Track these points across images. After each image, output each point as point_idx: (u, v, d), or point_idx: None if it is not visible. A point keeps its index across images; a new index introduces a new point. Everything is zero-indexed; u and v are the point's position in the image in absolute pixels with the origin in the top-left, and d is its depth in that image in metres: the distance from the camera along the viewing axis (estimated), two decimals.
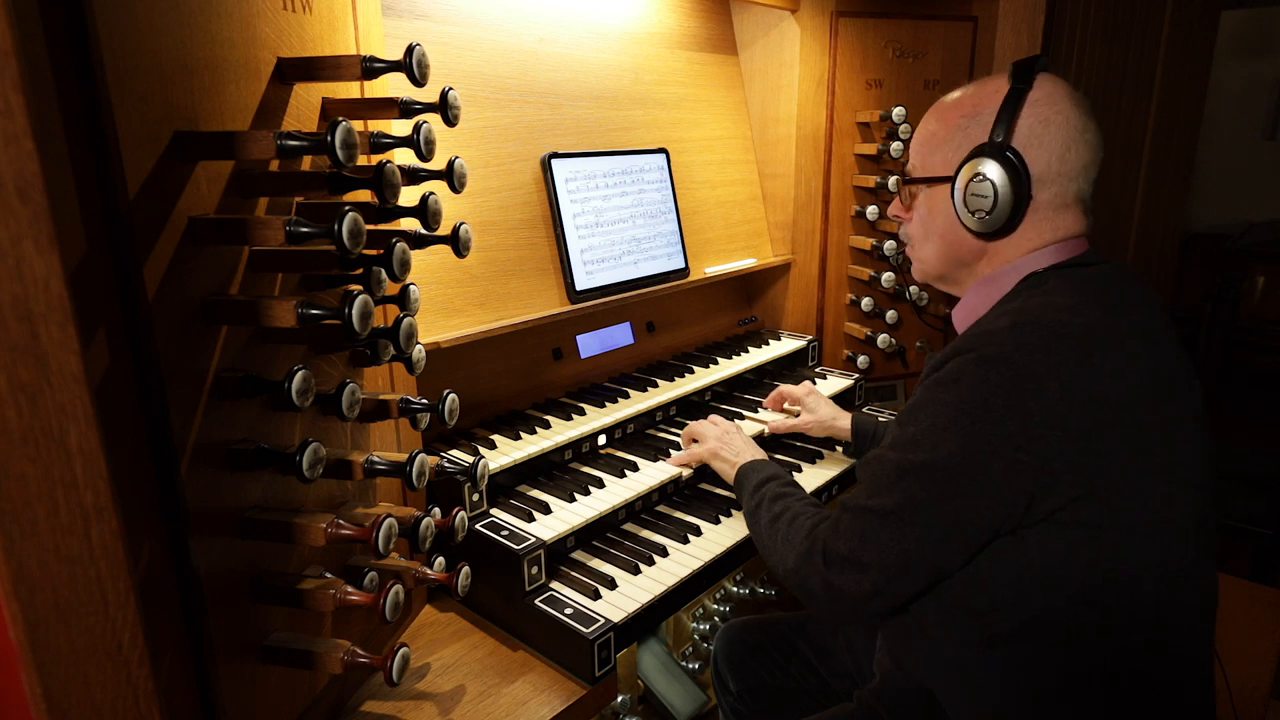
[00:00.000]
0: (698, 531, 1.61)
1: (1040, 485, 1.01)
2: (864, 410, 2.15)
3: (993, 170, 1.13)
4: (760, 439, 1.84)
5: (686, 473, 1.71)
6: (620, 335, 2.05)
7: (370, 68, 1.06)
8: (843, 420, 1.82)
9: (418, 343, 1.22)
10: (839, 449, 1.97)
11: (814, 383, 2.14)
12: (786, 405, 1.97)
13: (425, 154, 1.16)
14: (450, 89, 1.17)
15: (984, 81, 1.22)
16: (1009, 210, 1.14)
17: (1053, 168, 1.14)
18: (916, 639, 1.24)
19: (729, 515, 1.67)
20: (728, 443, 1.66)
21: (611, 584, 1.42)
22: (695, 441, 1.73)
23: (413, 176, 1.20)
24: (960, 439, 1.02)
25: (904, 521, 1.08)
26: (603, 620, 1.31)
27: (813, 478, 1.84)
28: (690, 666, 2.17)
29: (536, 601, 1.36)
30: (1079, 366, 1.00)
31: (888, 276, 2.35)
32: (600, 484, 1.62)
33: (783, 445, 1.99)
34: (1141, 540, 1.03)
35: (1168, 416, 1.05)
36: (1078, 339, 1.02)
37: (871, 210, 2.35)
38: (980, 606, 1.11)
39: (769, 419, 1.94)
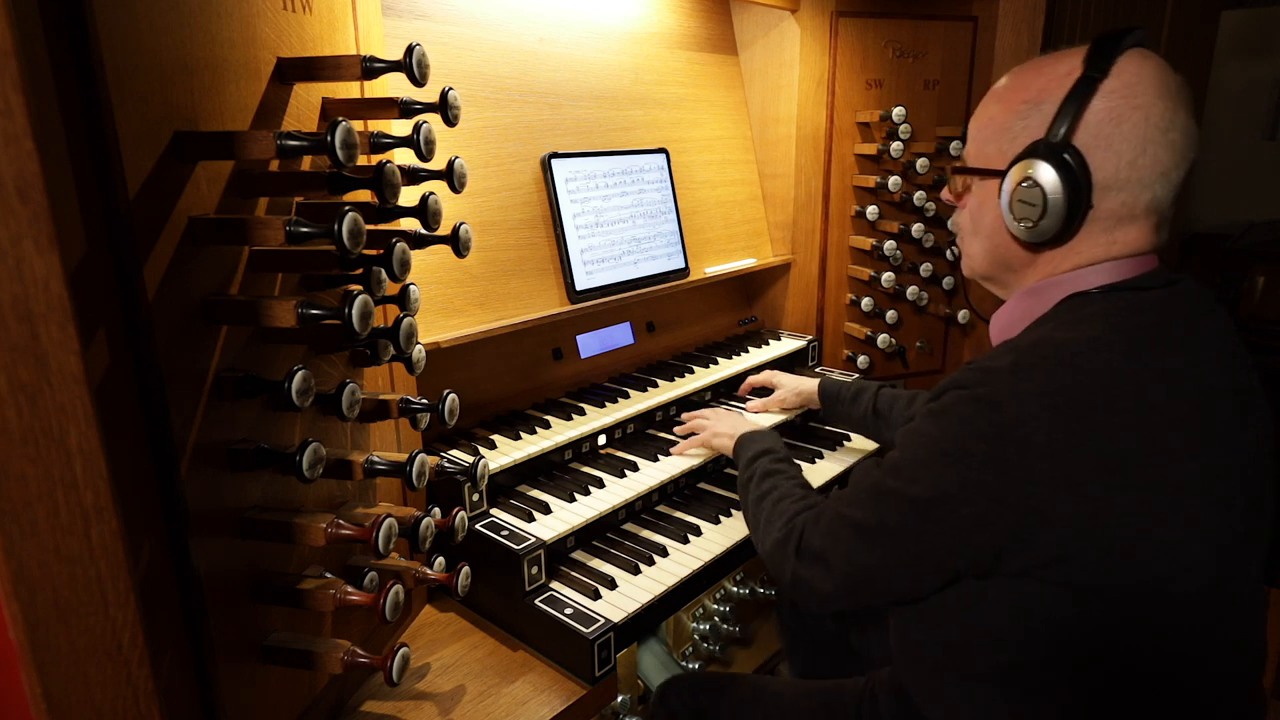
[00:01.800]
0: (698, 531, 1.61)
1: (1014, 539, 0.94)
2: (824, 373, 2.24)
3: (1045, 174, 0.99)
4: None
5: (694, 463, 1.73)
6: (620, 335, 2.05)
7: (370, 68, 1.06)
8: (809, 385, 1.92)
9: (418, 343, 1.22)
10: (852, 440, 2.00)
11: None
12: (753, 391, 2.06)
13: (425, 154, 1.16)
14: (450, 89, 1.17)
15: (1060, 57, 1.05)
16: (1061, 221, 1.00)
17: (1122, 173, 0.98)
18: (906, 656, 1.24)
19: (729, 515, 1.67)
20: (724, 418, 1.74)
21: (611, 584, 1.42)
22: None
23: (413, 176, 1.20)
24: (934, 478, 0.98)
25: (870, 540, 1.06)
26: (603, 620, 1.31)
27: (834, 465, 1.89)
28: (690, 666, 2.17)
29: (536, 601, 1.36)
30: (1075, 422, 0.91)
31: (888, 276, 2.35)
32: (600, 484, 1.62)
33: (801, 437, 2.03)
34: (1131, 611, 0.94)
35: (1190, 482, 0.93)
36: (1084, 389, 0.92)
37: (871, 210, 2.35)
38: (958, 640, 1.08)
39: (750, 408, 2.01)
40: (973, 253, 1.18)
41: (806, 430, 2.07)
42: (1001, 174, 1.06)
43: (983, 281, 1.21)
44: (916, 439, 1.02)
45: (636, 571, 1.47)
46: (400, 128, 1.17)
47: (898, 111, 2.24)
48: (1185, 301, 1.03)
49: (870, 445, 1.97)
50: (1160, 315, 1.00)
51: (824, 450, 1.94)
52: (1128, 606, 0.95)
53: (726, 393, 2.11)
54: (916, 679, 1.22)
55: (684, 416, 1.84)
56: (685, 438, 1.80)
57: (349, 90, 1.18)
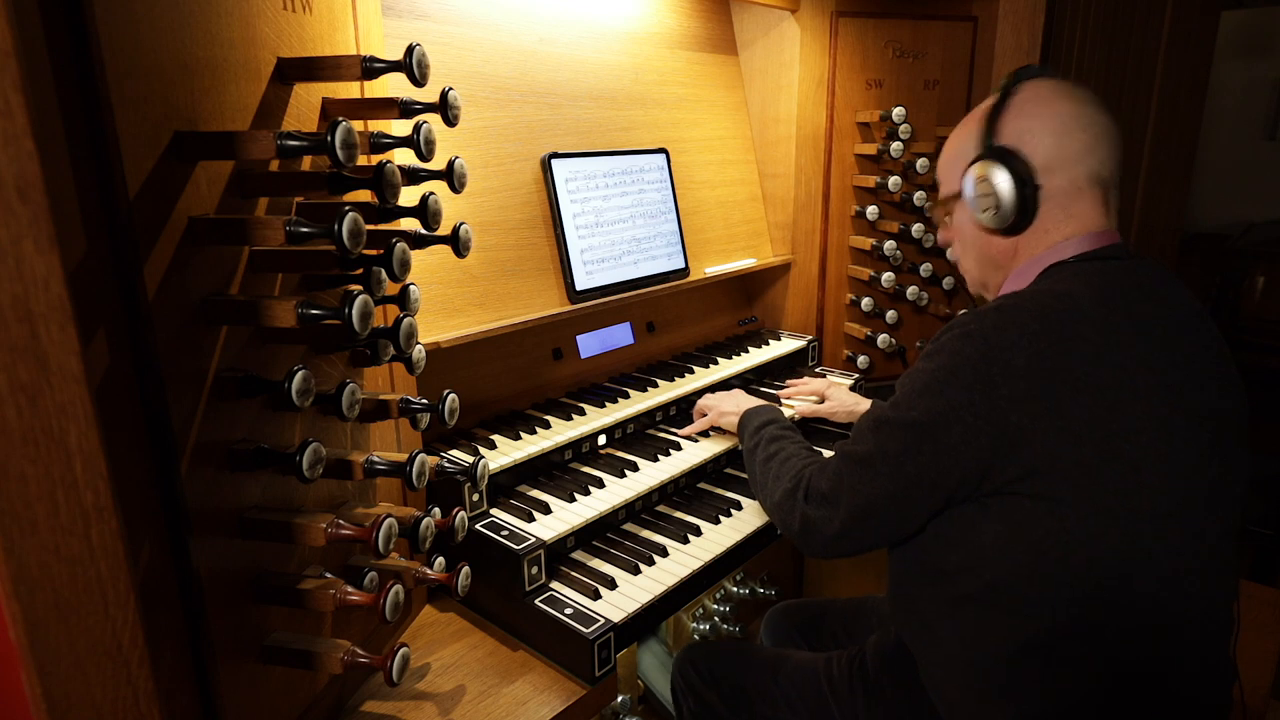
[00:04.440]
0: (698, 531, 1.61)
1: (998, 454, 1.06)
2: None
3: (989, 168, 1.19)
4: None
5: (694, 462, 1.74)
6: (620, 335, 2.05)
7: (370, 68, 1.06)
8: (863, 405, 1.91)
9: (418, 343, 1.22)
10: None
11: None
12: (800, 399, 2.06)
13: (425, 154, 1.16)
14: (450, 89, 1.17)
15: (987, 100, 1.29)
16: (1015, 200, 1.17)
17: (1052, 154, 1.17)
18: (898, 596, 1.32)
19: (729, 515, 1.67)
20: (729, 399, 1.81)
21: (611, 584, 1.42)
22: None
23: (413, 176, 1.20)
24: (929, 402, 1.10)
25: (871, 469, 1.17)
26: (603, 620, 1.31)
27: None
28: None
29: (536, 601, 1.36)
30: (1050, 346, 1.04)
31: (888, 276, 2.35)
32: (600, 484, 1.62)
33: (813, 432, 2.03)
34: (1100, 525, 1.05)
35: (1156, 412, 1.05)
36: (1056, 321, 1.06)
37: (871, 210, 2.35)
38: (948, 567, 1.18)
39: (797, 406, 2.01)
40: (968, 268, 1.36)
41: (806, 429, 2.06)
42: (961, 191, 1.25)
43: (985, 292, 1.36)
44: (914, 376, 1.15)
45: (636, 571, 1.47)
46: (400, 128, 1.17)
47: (898, 111, 2.24)
48: (1152, 270, 1.19)
49: None
50: (1128, 278, 1.15)
51: (824, 449, 1.93)
52: (1099, 521, 1.05)
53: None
54: (910, 616, 1.31)
55: (698, 404, 1.87)
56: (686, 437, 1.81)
57: (349, 90, 1.18)
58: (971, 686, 1.21)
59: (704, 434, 1.84)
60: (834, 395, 1.98)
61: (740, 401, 1.77)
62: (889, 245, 2.33)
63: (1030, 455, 1.04)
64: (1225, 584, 1.15)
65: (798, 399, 2.03)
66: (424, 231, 1.22)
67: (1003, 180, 1.17)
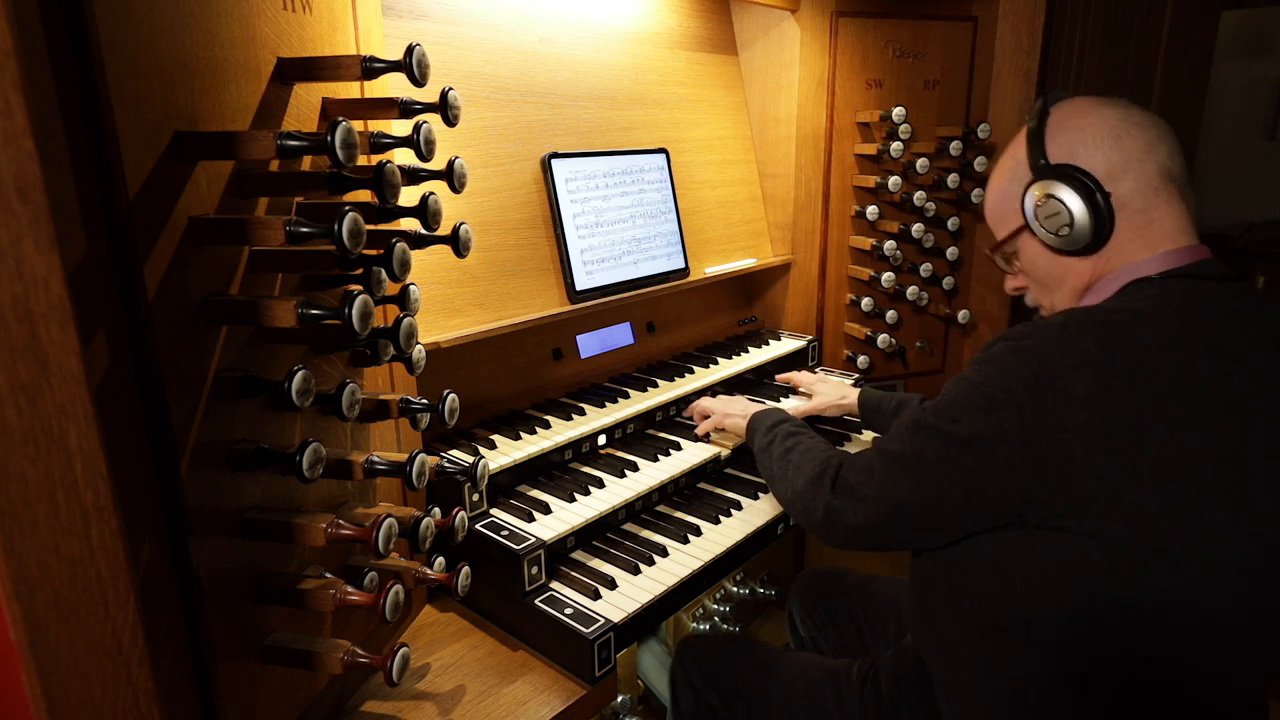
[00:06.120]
0: (698, 531, 1.61)
1: (1045, 484, 0.99)
2: (868, 385, 2.20)
3: (1049, 186, 1.12)
4: None
5: (694, 462, 1.74)
6: (620, 335, 2.05)
7: (370, 68, 1.06)
8: (851, 396, 1.91)
9: (418, 343, 1.22)
10: (865, 433, 2.00)
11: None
12: (794, 398, 2.06)
13: (425, 154, 1.16)
14: (450, 89, 1.17)
15: (1017, 137, 1.25)
16: (1089, 214, 1.10)
17: (1113, 158, 1.10)
18: (920, 607, 1.27)
19: (729, 515, 1.67)
20: (732, 402, 1.82)
21: (611, 584, 1.42)
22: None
23: (413, 176, 1.20)
24: (974, 419, 1.04)
25: (906, 470, 1.12)
26: (603, 620, 1.31)
27: None
28: None
29: (536, 601, 1.36)
30: (1116, 377, 0.95)
31: (888, 276, 2.35)
32: (600, 484, 1.62)
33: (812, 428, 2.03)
34: (1155, 570, 0.97)
35: (1231, 455, 0.96)
36: (1127, 348, 0.97)
37: (871, 210, 2.35)
38: (980, 590, 1.12)
39: (788, 405, 2.01)
40: (1055, 302, 1.25)
41: (811, 423, 2.07)
42: (1024, 224, 1.20)
43: None
44: (961, 384, 1.09)
45: (636, 571, 1.47)
46: (400, 128, 1.17)
47: (898, 111, 2.24)
48: (1244, 295, 1.08)
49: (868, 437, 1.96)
50: (1216, 301, 1.04)
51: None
52: (1154, 566, 0.97)
53: (726, 394, 2.11)
54: (931, 632, 1.26)
55: (692, 407, 1.88)
56: (686, 437, 1.81)
57: (349, 90, 1.18)
58: (993, 717, 1.15)
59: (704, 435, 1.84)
60: (819, 390, 1.99)
61: (746, 405, 1.77)
62: (889, 245, 2.33)
63: (1083, 491, 0.97)
64: (1276, 637, 1.06)
65: (791, 402, 2.03)
66: (424, 231, 1.22)
67: (1068, 194, 1.10)
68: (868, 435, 2.00)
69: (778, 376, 2.11)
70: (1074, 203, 1.10)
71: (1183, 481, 0.95)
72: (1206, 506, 0.95)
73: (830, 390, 1.97)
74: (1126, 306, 1.03)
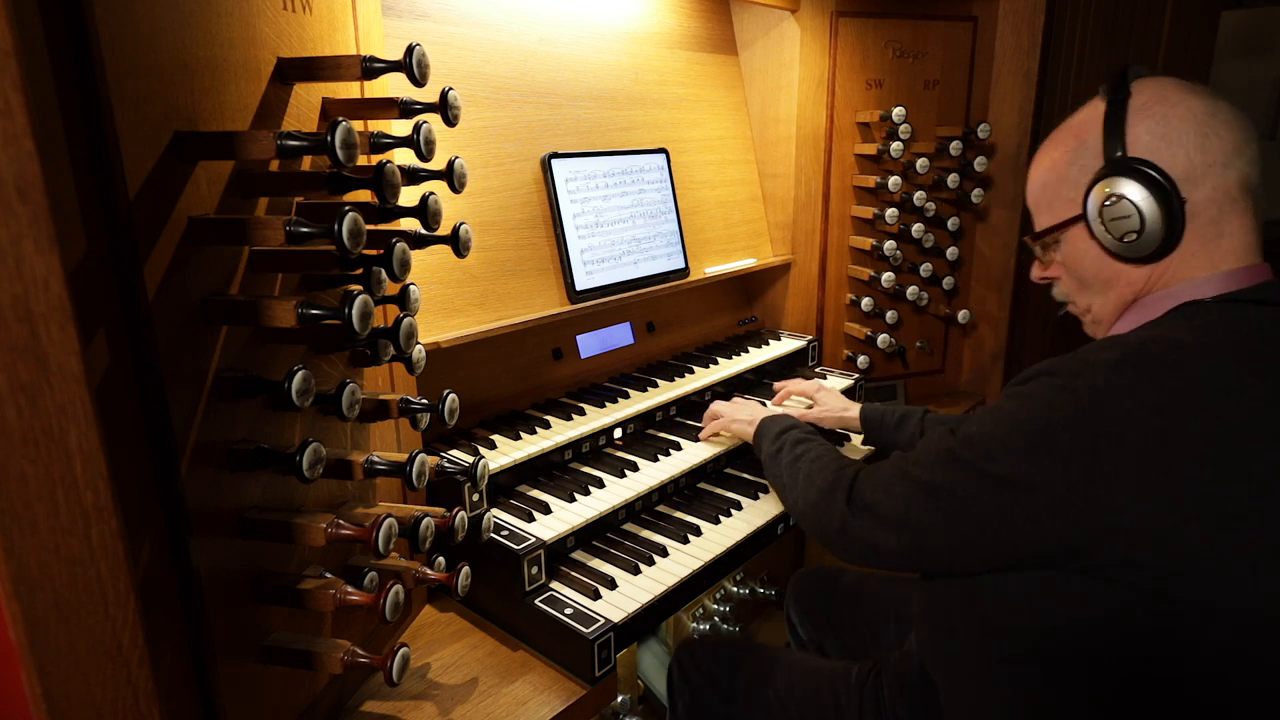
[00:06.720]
0: (698, 531, 1.61)
1: (1089, 533, 0.92)
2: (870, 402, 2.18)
3: (1124, 185, 1.01)
4: None
5: (694, 462, 1.73)
6: (620, 335, 2.05)
7: (370, 68, 1.06)
8: (853, 411, 1.85)
9: (418, 343, 1.22)
10: (854, 439, 1.98)
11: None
12: (794, 399, 2.00)
13: (425, 154, 1.16)
14: (450, 89, 1.17)
15: (1077, 111, 1.13)
16: (1163, 221, 1.00)
17: (1195, 160, 0.99)
18: (930, 625, 1.23)
19: (729, 515, 1.67)
20: (741, 407, 1.77)
21: (611, 584, 1.42)
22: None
23: (413, 176, 1.20)
24: (1014, 460, 0.96)
25: (936, 502, 1.05)
26: (603, 620, 1.31)
27: None
28: None
29: (536, 601, 1.36)
30: (1175, 427, 0.89)
31: (888, 276, 2.35)
32: (600, 484, 1.62)
33: None
34: (1208, 623, 0.91)
35: None
36: (1183, 390, 0.90)
37: (871, 210, 2.35)
38: (999, 623, 1.07)
39: (787, 409, 1.97)
40: (1090, 304, 1.16)
41: None
42: (1080, 214, 1.08)
43: (1098, 331, 1.17)
44: (1000, 416, 1.01)
45: (636, 571, 1.47)
46: (400, 128, 1.17)
47: (898, 111, 2.24)
48: None
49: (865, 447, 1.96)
50: (1276, 328, 0.97)
51: None
52: (1198, 619, 0.91)
53: (726, 393, 2.11)
54: (939, 653, 1.22)
55: (706, 414, 1.83)
56: (687, 437, 1.80)
57: (349, 90, 1.18)
58: None
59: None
60: (822, 399, 1.91)
61: (754, 410, 1.73)
62: (889, 245, 2.33)
63: (1128, 541, 0.90)
64: None
65: (788, 407, 1.99)
66: (424, 231, 1.22)
67: (1143, 197, 0.99)
68: (856, 440, 1.97)
69: (775, 385, 2.06)
70: (1149, 208, 0.99)
71: (1236, 534, 0.89)
72: (1260, 561, 0.90)
73: (833, 401, 1.90)
74: (1184, 339, 0.94)
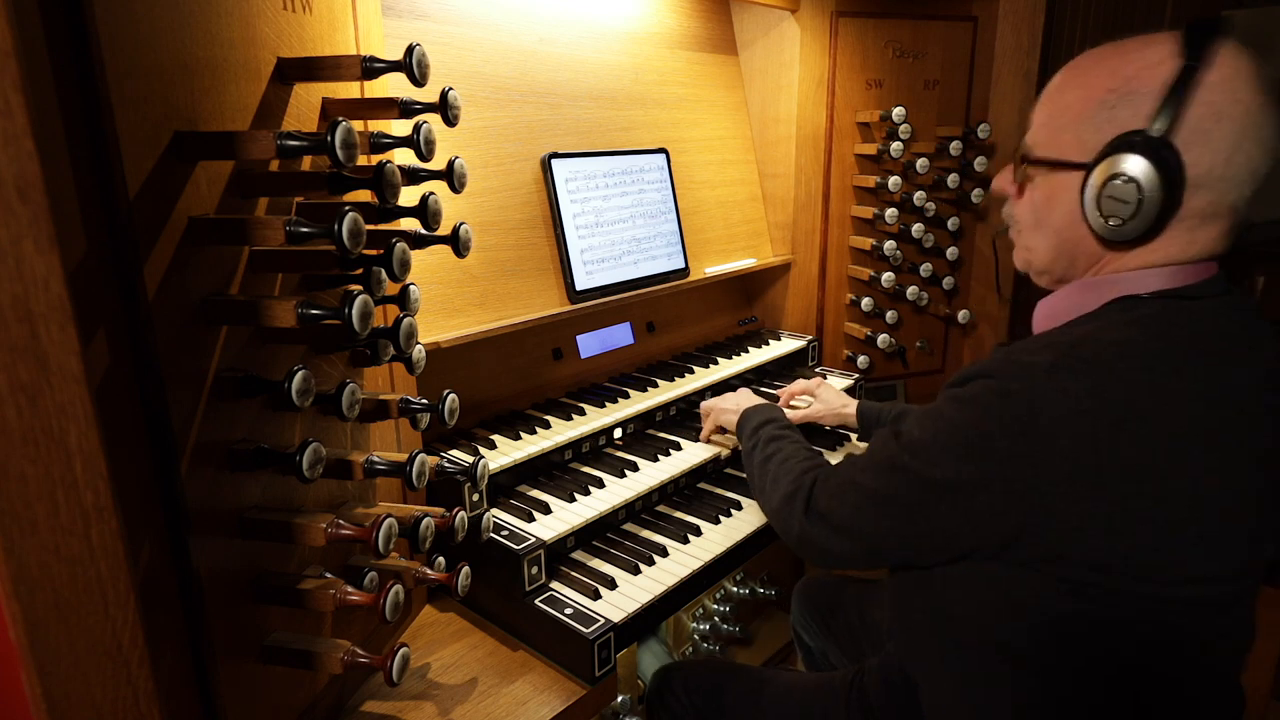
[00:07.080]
0: (698, 531, 1.61)
1: (1028, 531, 0.95)
2: (866, 399, 2.18)
3: (1145, 171, 0.92)
4: None
5: (694, 462, 1.74)
6: (620, 335, 2.05)
7: (370, 68, 1.06)
8: (851, 408, 1.87)
9: (418, 343, 1.22)
10: (854, 438, 1.99)
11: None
12: (796, 399, 2.01)
13: (425, 154, 1.16)
14: (450, 89, 1.17)
15: (1146, 41, 0.99)
16: (1150, 222, 0.95)
17: (1215, 171, 0.93)
18: (901, 620, 1.26)
19: (729, 515, 1.67)
20: (730, 397, 1.77)
21: (611, 584, 1.42)
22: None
23: (413, 176, 1.20)
24: (955, 465, 0.98)
25: (881, 509, 1.08)
26: (603, 620, 1.31)
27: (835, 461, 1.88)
28: None
29: (536, 601, 1.36)
30: (1106, 429, 0.89)
31: (888, 276, 2.35)
32: (600, 484, 1.62)
33: (806, 435, 2.01)
34: (1133, 610, 0.95)
35: (1217, 490, 0.92)
36: (1115, 394, 0.90)
37: (871, 210, 2.35)
38: (955, 613, 1.10)
39: (787, 413, 1.96)
40: (1033, 246, 1.11)
41: (806, 430, 2.06)
42: (1084, 166, 0.99)
43: (1037, 278, 1.15)
44: (939, 422, 1.01)
45: (636, 571, 1.47)
46: (400, 128, 1.17)
47: (898, 111, 2.24)
48: (1237, 315, 0.99)
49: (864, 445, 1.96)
50: (1210, 327, 0.96)
51: (823, 450, 1.94)
52: (1128, 608, 0.95)
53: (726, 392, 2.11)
54: (911, 646, 1.25)
55: (701, 406, 1.86)
56: (686, 437, 1.81)
57: (349, 90, 1.18)
58: None
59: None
60: (822, 396, 1.93)
61: (740, 400, 1.73)
62: (889, 245, 2.33)
63: (1059, 540, 0.93)
64: (1247, 637, 1.06)
65: (792, 403, 2.00)
66: (424, 231, 1.22)
67: (1155, 194, 0.93)
68: (856, 439, 1.99)
69: (780, 392, 2.07)
70: (1149, 206, 0.94)
71: (1166, 529, 0.91)
72: (1190, 554, 0.92)
73: (833, 398, 1.90)
74: (1115, 338, 0.94)
